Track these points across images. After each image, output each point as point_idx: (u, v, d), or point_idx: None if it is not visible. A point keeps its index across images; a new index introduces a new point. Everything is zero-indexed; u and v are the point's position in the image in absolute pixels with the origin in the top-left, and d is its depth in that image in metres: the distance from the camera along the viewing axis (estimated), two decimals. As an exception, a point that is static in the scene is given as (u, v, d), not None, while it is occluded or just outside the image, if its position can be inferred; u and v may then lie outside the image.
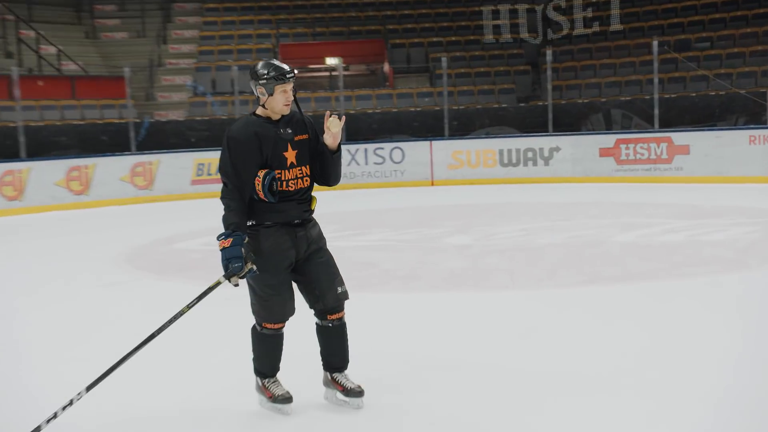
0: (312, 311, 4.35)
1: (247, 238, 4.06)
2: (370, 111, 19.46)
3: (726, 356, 4.93)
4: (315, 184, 4.31)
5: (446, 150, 17.31)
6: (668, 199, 13.09)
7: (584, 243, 9.31)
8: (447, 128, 17.90)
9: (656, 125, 16.48)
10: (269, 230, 4.17)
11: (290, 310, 4.28)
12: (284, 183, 4.15)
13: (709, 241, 9.01)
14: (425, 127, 18.11)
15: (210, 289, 4.14)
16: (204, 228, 11.93)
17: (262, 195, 4.11)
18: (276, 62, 4.17)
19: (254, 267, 4.05)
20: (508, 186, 16.54)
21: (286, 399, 4.28)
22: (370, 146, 17.40)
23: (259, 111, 4.21)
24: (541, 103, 18.76)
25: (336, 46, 22.40)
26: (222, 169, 4.16)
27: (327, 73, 22.12)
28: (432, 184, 17.25)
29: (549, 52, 17.95)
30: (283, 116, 4.20)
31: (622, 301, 6.55)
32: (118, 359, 4.00)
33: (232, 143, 4.12)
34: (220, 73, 21.11)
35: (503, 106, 19.26)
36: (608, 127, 17.87)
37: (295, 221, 4.21)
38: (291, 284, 4.29)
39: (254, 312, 4.29)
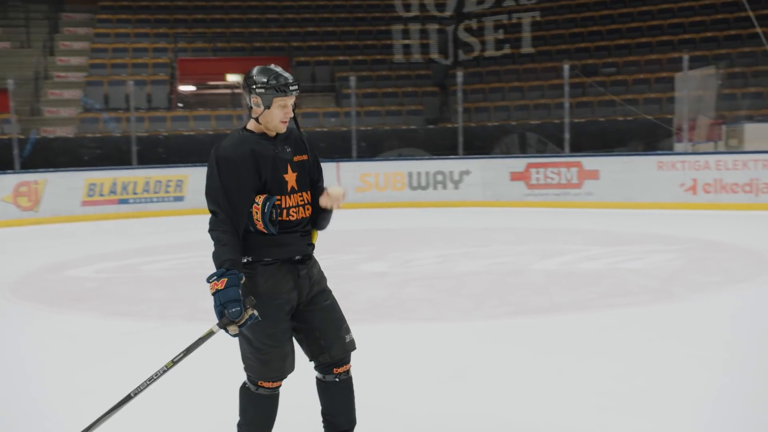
0: (312, 363, 3.71)
1: (243, 278, 3.41)
2: (275, 130, 19.07)
3: (686, 389, 4.73)
4: None
5: (354, 172, 17.01)
6: (581, 225, 13.11)
7: (505, 271, 9.12)
8: (355, 150, 17.63)
9: (567, 149, 16.61)
10: (269, 268, 3.51)
11: (291, 365, 3.60)
12: (285, 211, 3.53)
13: (630, 269, 8.95)
14: (332, 148, 17.79)
15: (201, 340, 3.47)
16: (97, 253, 11.26)
17: (260, 226, 3.46)
18: (277, 69, 3.53)
19: (255, 312, 3.37)
20: (418, 210, 16.36)
21: None
22: (274, 167, 16.94)
23: (251, 126, 3.57)
24: (450, 125, 18.72)
25: (237, 63, 21.89)
26: (210, 195, 3.48)
27: (229, 91, 21.59)
28: (339, 208, 16.84)
29: (459, 74, 17.94)
30: (278, 133, 3.59)
31: (557, 334, 6.31)
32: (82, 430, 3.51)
33: (223, 164, 3.45)
34: (113, 88, 20.33)
35: (412, 127, 19.16)
36: (523, 151, 17.96)
37: (297, 257, 3.57)
38: (292, 333, 3.62)
39: (248, 368, 3.57)
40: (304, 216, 3.59)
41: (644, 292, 7.74)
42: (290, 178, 3.55)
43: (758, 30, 13.02)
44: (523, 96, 20.26)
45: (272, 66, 3.54)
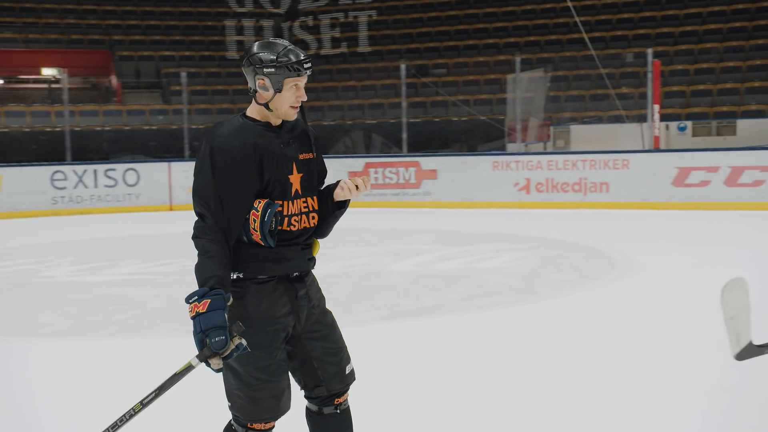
0: (303, 393, 3.14)
1: (231, 299, 2.82)
2: (99, 128, 18.11)
3: (587, 384, 4.73)
4: None
5: (186, 172, 16.30)
6: (424, 225, 13.22)
7: (363, 273, 8.98)
8: (187, 148, 17.00)
9: (404, 149, 16.74)
10: (263, 288, 2.92)
11: (287, 404, 3.01)
12: (286, 219, 2.93)
13: (487, 268, 9.05)
14: (163, 147, 17.11)
15: (176, 377, 2.82)
16: None
17: (257, 236, 2.87)
18: (285, 43, 2.92)
19: (243, 341, 2.75)
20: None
21: None
22: (100, 167, 16.07)
23: (254, 112, 2.94)
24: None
25: (53, 56, 20.67)
26: (199, 194, 2.84)
27: (45, 85, 20.29)
28: (171, 209, 16.24)
29: (294, 72, 17.69)
30: (285, 123, 2.98)
31: (439, 336, 6.23)
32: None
33: (218, 157, 2.83)
34: None
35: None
36: (368, 151, 17.93)
37: (295, 274, 2.98)
38: (288, 365, 3.02)
39: (235, 407, 2.95)
40: (308, 226, 3.01)
41: (509, 292, 7.83)
42: (295, 179, 2.96)
43: (584, 36, 13.58)
44: (357, 95, 20.27)
45: (278, 39, 2.96)
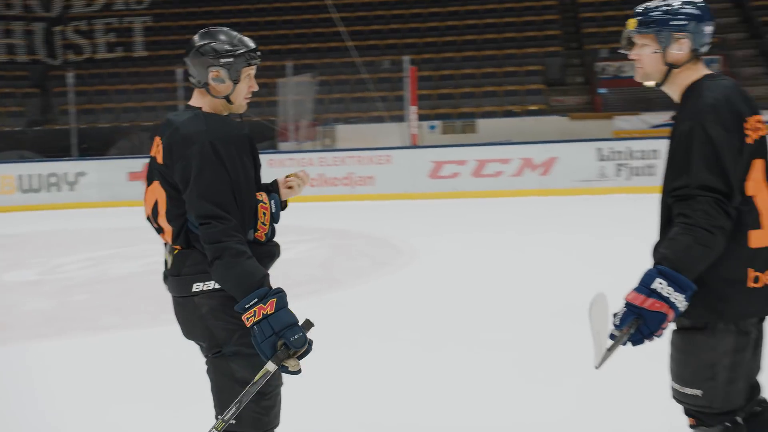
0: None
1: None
2: None
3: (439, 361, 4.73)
4: None
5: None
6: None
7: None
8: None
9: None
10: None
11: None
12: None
13: (284, 259, 8.87)
14: None
15: (254, 385, 2.41)
16: None
17: (263, 231, 2.55)
18: (233, 32, 2.59)
19: (311, 339, 2.42)
20: (32, 213, 14.68)
21: None
22: None
23: (208, 108, 2.57)
24: (59, 127, 17.10)
25: None
26: (211, 196, 2.42)
27: None
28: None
29: (70, 75, 16.44)
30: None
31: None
32: None
33: (223, 150, 2.45)
34: None
35: (17, 129, 17.17)
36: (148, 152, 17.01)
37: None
38: None
39: (244, 422, 2.51)
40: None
41: (313, 281, 7.72)
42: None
43: (349, 44, 13.74)
44: (130, 99, 19.23)
45: (222, 28, 2.62)
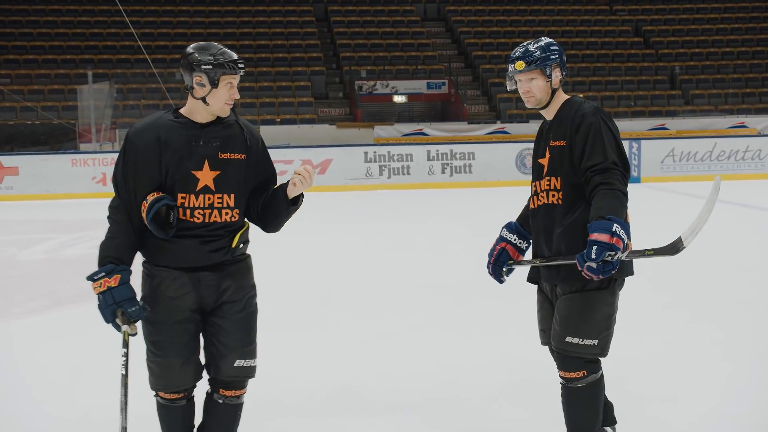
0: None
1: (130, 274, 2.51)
2: None
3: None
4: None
5: None
6: (19, 216, 11.55)
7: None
8: None
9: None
10: (163, 272, 2.57)
11: (181, 379, 2.61)
12: (188, 211, 2.52)
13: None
14: None
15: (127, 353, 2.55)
16: None
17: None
18: (219, 45, 2.56)
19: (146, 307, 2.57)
20: None
21: None
22: None
23: (185, 109, 2.59)
24: None
25: None
26: (113, 175, 2.58)
27: None
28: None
29: None
30: (213, 122, 2.57)
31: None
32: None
33: (127, 147, 2.55)
34: None
35: None
36: None
37: (196, 266, 2.54)
38: (190, 342, 2.61)
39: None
40: (218, 220, 2.55)
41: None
42: (204, 176, 2.54)
43: (147, 56, 13.03)
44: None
45: (212, 42, 2.62)
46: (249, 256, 2.72)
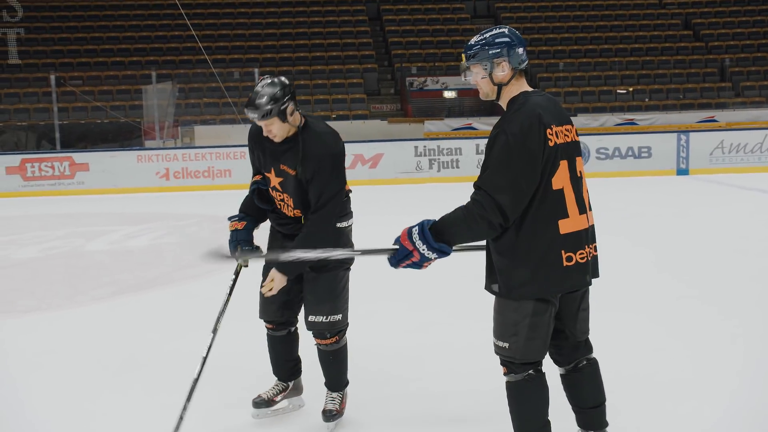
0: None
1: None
2: None
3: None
4: None
5: None
6: (90, 209, 11.84)
7: (64, 254, 7.79)
8: None
9: (58, 146, 14.80)
10: (273, 231, 3.24)
11: (265, 312, 3.22)
12: (273, 198, 3.19)
13: (172, 242, 8.44)
14: None
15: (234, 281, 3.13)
16: None
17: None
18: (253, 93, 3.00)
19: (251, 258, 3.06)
20: None
21: (255, 403, 3.25)
22: None
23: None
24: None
25: None
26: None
27: None
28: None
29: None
30: (284, 141, 3.02)
31: (178, 307, 5.66)
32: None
33: (248, 139, 3.22)
34: None
35: None
36: (26, 148, 15.37)
37: (284, 233, 3.17)
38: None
39: None
40: (286, 212, 3.15)
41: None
42: (273, 178, 3.10)
43: (207, 57, 13.19)
44: (0, 101, 17.32)
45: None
46: None
